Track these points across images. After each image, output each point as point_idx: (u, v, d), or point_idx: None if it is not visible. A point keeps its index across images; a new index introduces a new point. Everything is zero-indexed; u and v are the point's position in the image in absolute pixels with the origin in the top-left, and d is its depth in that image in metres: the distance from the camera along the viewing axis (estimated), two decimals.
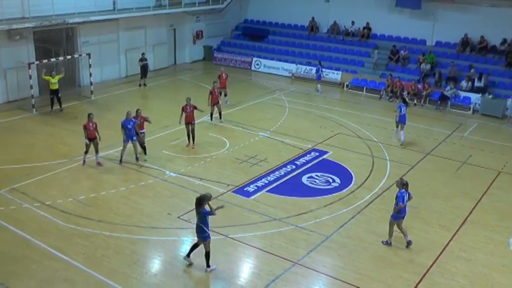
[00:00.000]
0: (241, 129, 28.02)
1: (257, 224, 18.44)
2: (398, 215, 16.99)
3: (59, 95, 30.12)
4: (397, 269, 16.08)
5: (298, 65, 40.09)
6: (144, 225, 18.05)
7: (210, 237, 15.42)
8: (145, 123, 24.00)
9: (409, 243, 17.25)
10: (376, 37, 41.57)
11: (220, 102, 29.13)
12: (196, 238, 15.77)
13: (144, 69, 36.06)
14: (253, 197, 20.51)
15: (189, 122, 24.96)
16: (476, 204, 20.61)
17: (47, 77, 29.60)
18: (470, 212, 19.95)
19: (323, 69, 37.59)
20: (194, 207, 15.34)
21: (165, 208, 19.26)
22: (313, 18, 43.98)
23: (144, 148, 23.96)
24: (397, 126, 26.91)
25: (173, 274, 15.58)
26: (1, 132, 26.78)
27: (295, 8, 44.94)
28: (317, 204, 20.00)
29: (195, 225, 15.51)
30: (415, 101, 34.35)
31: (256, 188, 21.28)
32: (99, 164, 23.15)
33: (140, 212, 19.03)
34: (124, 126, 22.60)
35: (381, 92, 35.67)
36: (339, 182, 21.99)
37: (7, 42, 30.88)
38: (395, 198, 16.96)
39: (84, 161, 22.99)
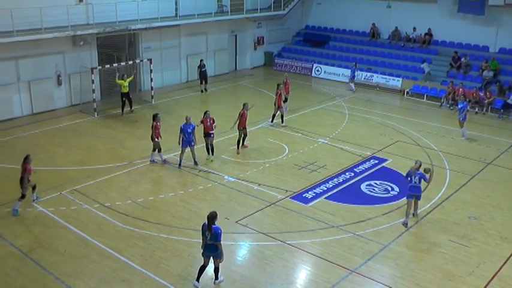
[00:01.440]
0: (300, 136, 27.96)
1: (315, 231, 18.35)
2: (409, 192, 18.80)
3: (130, 96, 31.01)
4: (456, 281, 15.72)
5: (359, 71, 39.70)
6: None
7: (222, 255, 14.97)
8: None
9: (405, 224, 18.78)
10: (438, 43, 40.92)
11: (282, 107, 29.47)
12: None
13: (204, 76, 36.43)
14: (311, 203, 20.42)
15: (245, 126, 25.18)
16: None
17: (120, 81, 30.43)
18: None
19: (358, 71, 39.07)
20: (207, 224, 14.78)
21: (223, 212, 19.17)
22: (374, 24, 43.65)
23: (212, 149, 24.21)
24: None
25: (230, 278, 15.61)
26: (64, 134, 27.47)
27: (356, 14, 44.75)
28: (375, 213, 19.79)
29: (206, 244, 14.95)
30: (477, 109, 33.62)
31: (314, 194, 21.19)
32: (153, 162, 23.89)
33: (198, 215, 19.13)
34: (183, 130, 22.79)
35: (442, 100, 35.02)
36: (398, 191, 21.68)
37: (71, 48, 31.69)
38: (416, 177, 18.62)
39: (155, 160, 23.93)
